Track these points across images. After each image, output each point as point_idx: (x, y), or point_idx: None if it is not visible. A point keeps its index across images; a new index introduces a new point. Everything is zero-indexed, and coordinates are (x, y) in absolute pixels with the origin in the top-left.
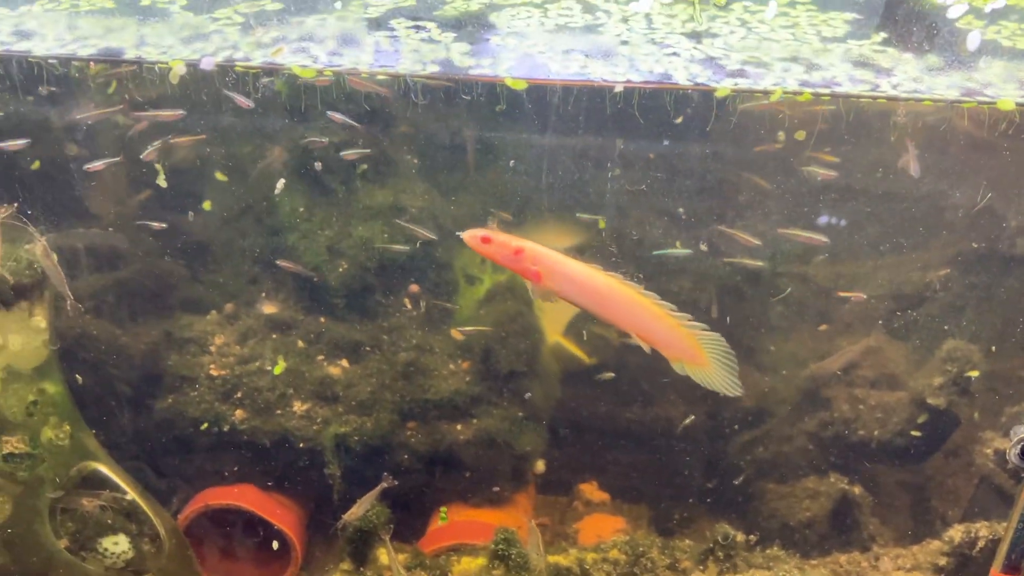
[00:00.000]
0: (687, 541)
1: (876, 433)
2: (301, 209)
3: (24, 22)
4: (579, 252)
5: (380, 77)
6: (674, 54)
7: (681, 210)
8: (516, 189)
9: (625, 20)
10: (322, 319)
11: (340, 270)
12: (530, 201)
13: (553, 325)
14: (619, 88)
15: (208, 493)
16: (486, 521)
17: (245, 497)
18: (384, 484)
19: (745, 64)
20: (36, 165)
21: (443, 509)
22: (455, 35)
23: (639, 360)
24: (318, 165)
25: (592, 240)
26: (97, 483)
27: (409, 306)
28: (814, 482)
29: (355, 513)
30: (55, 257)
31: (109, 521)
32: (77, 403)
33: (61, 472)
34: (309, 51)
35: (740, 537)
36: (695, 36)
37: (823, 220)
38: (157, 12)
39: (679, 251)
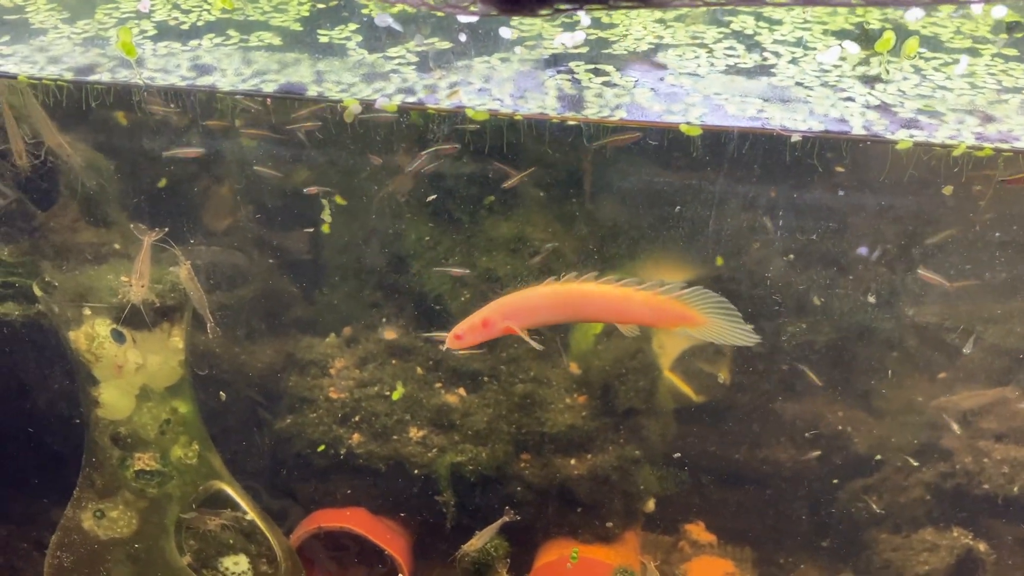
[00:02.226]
0: None
1: (1002, 488)
2: (427, 238)
3: (199, 56)
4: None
5: (571, 123)
6: (849, 99)
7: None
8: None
9: (795, 62)
10: (442, 347)
11: (462, 299)
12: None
13: (664, 361)
14: (797, 137)
15: (321, 515)
16: (596, 558)
17: (357, 520)
18: (506, 518)
19: (919, 113)
20: (163, 183)
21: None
22: (635, 79)
23: (749, 400)
24: (431, 197)
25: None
26: (220, 502)
27: (527, 338)
28: (932, 535)
29: (474, 545)
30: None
31: (231, 541)
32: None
33: (188, 490)
34: (491, 92)
35: None
36: (868, 81)
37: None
38: (328, 48)
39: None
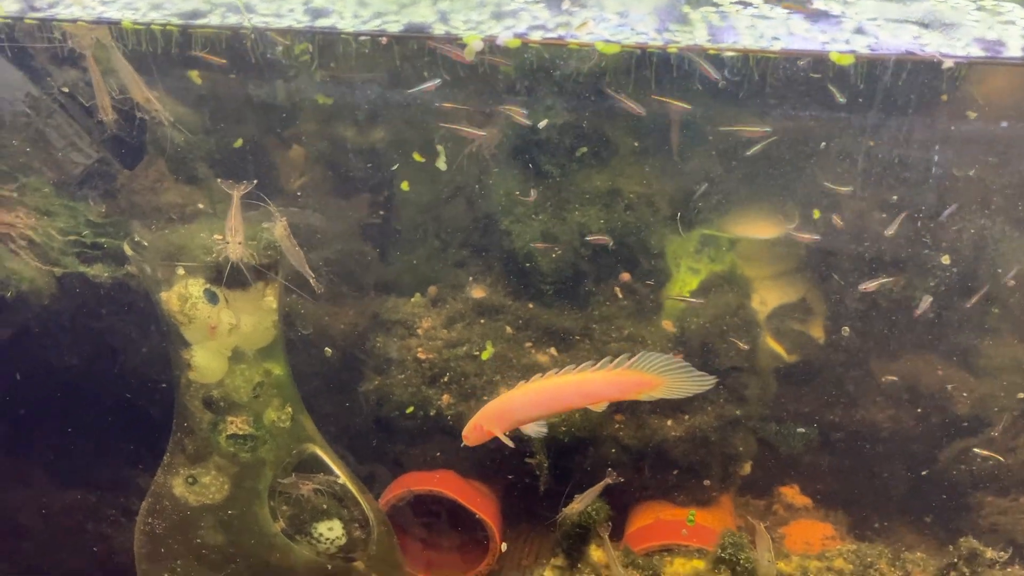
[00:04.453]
0: (919, 553)
1: None
2: (516, 192)
3: (310, 0)
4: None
5: (729, 54)
6: (1009, 22)
7: None
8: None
9: None
10: (530, 305)
11: (553, 255)
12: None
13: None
14: (949, 63)
15: (410, 478)
16: (697, 522)
17: (446, 484)
18: (608, 480)
19: None
20: (239, 143)
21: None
22: (787, 12)
23: (844, 360)
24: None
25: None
26: (313, 466)
27: (620, 295)
28: None
29: (576, 507)
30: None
31: (324, 506)
32: None
33: (281, 454)
34: (632, 27)
35: (990, 553)
36: None
37: None
38: None
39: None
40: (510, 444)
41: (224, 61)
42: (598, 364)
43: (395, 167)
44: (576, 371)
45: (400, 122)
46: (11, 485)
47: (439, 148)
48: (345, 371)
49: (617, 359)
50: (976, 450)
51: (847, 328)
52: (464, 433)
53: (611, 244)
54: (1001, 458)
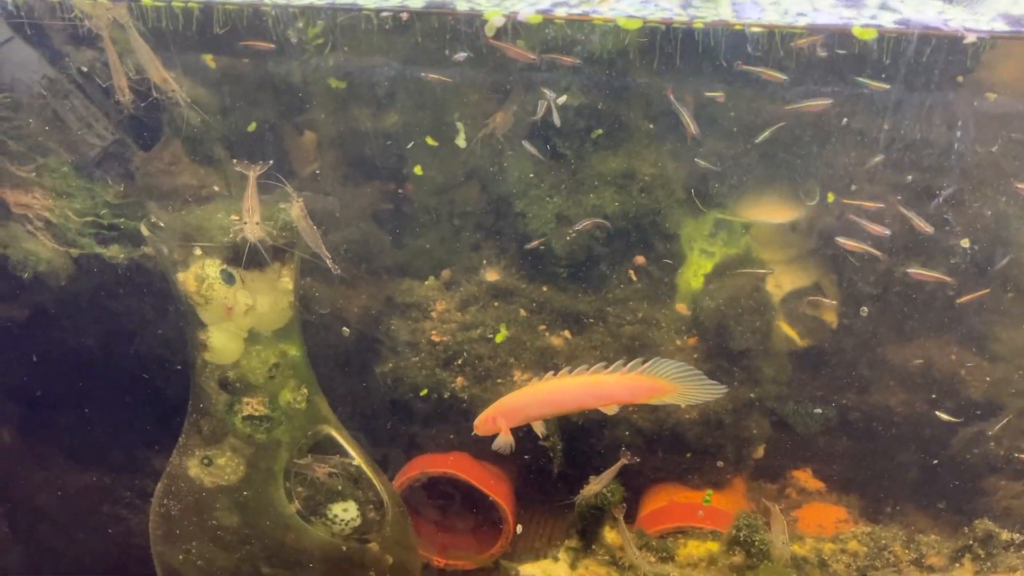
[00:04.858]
0: (933, 536)
1: None
2: (531, 175)
3: None
4: None
5: (754, 30)
6: None
7: None
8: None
9: None
10: (544, 288)
11: (567, 238)
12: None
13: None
14: (972, 38)
15: (423, 460)
16: (708, 505)
17: (460, 466)
18: (623, 460)
19: None
20: (252, 127)
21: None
22: None
23: (858, 344)
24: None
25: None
26: (328, 448)
27: (635, 278)
28: None
29: (592, 489)
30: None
31: (339, 487)
32: None
33: (296, 435)
34: (656, 2)
35: (1005, 535)
36: None
37: None
38: None
39: None
40: (511, 444)
41: (272, 46)
42: (611, 367)
43: (410, 145)
44: (589, 372)
45: (413, 106)
46: (28, 466)
47: (458, 125)
48: (359, 354)
49: (631, 363)
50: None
51: (866, 308)
52: (476, 423)
53: (608, 227)
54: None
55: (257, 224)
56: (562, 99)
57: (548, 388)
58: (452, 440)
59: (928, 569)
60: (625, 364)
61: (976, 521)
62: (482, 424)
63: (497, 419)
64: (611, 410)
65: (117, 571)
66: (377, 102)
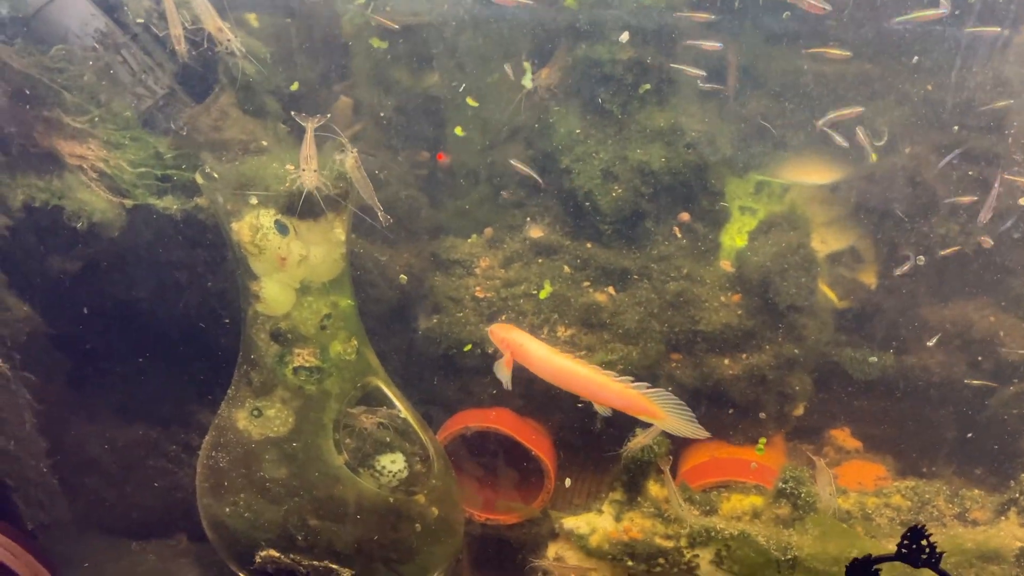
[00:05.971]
0: (976, 491)
1: None
2: (577, 131)
3: None
4: None
5: None
6: None
7: None
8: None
9: None
10: (588, 244)
11: (613, 195)
12: None
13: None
14: None
15: (466, 415)
16: (751, 459)
17: (502, 420)
18: None
19: None
20: (295, 87)
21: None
22: None
23: (896, 305)
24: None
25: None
26: (376, 400)
27: (679, 235)
28: None
29: (640, 442)
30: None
31: (387, 439)
32: None
33: (346, 387)
34: None
35: None
36: None
37: None
38: None
39: None
40: (508, 381)
41: (397, 25)
42: (621, 376)
43: (462, 87)
44: (601, 371)
45: (453, 66)
46: (77, 419)
47: (525, 65)
48: (403, 309)
49: (638, 383)
50: None
51: (922, 257)
52: (492, 327)
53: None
54: None
55: (315, 172)
56: (624, 36)
57: (562, 363)
58: (495, 395)
59: (972, 523)
60: (633, 382)
61: (1022, 474)
62: (496, 333)
63: (511, 345)
64: (604, 411)
65: (164, 524)
66: (418, 61)
